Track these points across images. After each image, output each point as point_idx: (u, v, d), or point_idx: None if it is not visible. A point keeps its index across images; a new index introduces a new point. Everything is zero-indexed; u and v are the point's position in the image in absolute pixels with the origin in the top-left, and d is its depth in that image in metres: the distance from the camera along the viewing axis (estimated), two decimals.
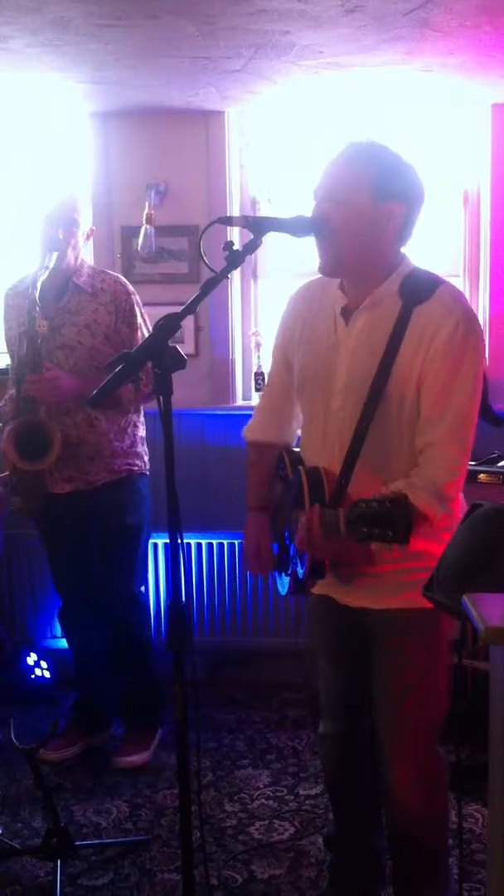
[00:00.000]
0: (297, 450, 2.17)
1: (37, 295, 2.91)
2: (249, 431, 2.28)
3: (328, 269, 1.97)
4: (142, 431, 3.17)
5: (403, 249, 2.00)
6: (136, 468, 3.12)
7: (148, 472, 3.17)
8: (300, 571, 1.99)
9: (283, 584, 2.17)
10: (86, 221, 3.07)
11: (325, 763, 2.41)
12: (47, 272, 2.91)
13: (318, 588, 2.09)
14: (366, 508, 1.67)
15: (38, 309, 2.91)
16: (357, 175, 1.88)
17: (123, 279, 3.15)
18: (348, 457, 1.91)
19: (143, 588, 3.33)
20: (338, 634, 2.17)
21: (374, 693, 2.08)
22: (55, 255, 2.93)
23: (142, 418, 3.17)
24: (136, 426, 3.14)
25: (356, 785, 2.26)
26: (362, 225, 1.89)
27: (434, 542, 1.94)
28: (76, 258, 3.04)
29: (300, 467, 2.01)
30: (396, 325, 1.89)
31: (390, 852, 2.20)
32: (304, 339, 2.08)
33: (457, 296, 1.95)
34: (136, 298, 3.10)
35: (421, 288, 1.92)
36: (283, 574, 2.16)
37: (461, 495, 2.02)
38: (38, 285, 2.91)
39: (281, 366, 2.19)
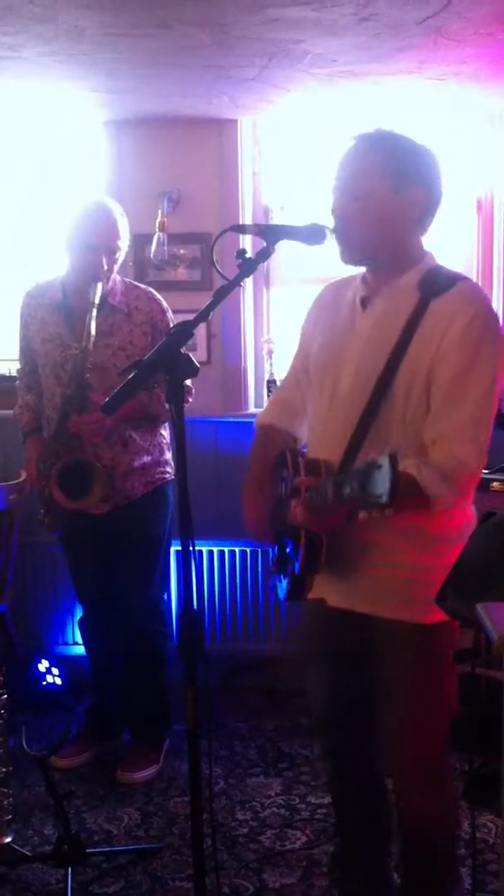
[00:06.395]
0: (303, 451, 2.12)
1: (91, 328, 2.84)
2: (259, 417, 2.27)
3: (347, 257, 1.95)
4: (166, 438, 3.15)
5: (427, 248, 1.97)
6: (167, 476, 3.13)
7: (173, 477, 3.14)
8: (297, 566, 1.94)
9: (282, 588, 2.14)
10: (125, 244, 3.00)
11: (328, 780, 2.39)
12: (94, 310, 2.84)
13: (313, 592, 2.03)
14: (350, 472, 1.55)
15: (82, 351, 2.86)
16: (373, 168, 1.85)
17: (157, 296, 3.09)
18: (350, 446, 1.86)
19: (165, 597, 3.32)
20: (331, 643, 2.11)
21: (374, 706, 2.03)
22: (99, 286, 2.87)
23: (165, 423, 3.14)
24: (159, 435, 3.13)
25: (359, 801, 2.24)
26: (385, 216, 1.87)
27: (429, 554, 1.91)
28: (111, 279, 2.99)
29: (300, 459, 1.98)
30: (412, 316, 1.85)
31: (401, 859, 2.17)
32: (321, 331, 2.06)
33: (476, 290, 1.91)
34: (171, 315, 3.07)
35: (440, 281, 1.88)
36: (283, 577, 2.14)
37: (471, 508, 1.99)
38: (89, 321, 2.84)
39: (298, 366, 2.18)
